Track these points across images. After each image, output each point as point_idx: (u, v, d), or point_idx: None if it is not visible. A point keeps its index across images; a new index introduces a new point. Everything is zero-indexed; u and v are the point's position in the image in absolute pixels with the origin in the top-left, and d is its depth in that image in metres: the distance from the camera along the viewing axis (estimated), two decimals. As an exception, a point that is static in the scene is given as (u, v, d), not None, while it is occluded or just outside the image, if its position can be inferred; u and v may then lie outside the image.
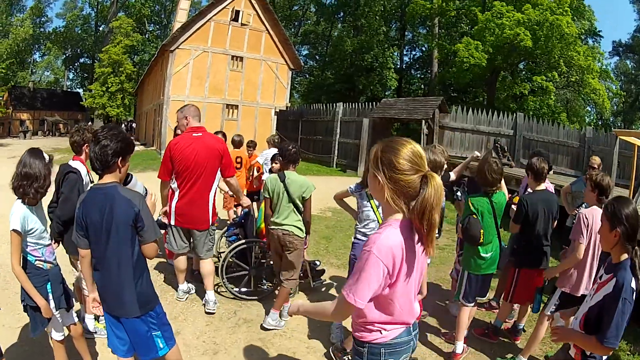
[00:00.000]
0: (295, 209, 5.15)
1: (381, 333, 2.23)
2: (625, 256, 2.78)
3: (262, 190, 5.51)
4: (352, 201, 4.93)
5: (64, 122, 50.94)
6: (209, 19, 24.31)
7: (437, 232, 2.11)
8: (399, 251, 2.04)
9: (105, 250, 3.01)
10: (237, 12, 24.88)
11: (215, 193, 5.48)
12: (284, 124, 27.53)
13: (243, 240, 5.98)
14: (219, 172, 5.49)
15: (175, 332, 4.19)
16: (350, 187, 4.78)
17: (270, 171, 7.45)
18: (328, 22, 50.03)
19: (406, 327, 2.29)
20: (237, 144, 9.43)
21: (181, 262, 5.70)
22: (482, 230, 4.55)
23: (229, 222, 8.69)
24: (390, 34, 45.89)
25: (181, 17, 27.01)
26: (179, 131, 5.72)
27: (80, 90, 55.49)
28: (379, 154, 2.11)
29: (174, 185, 5.51)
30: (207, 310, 5.49)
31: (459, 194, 5.69)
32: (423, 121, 19.40)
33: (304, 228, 5.22)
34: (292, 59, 26.99)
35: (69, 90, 61.63)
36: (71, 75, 67.06)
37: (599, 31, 38.19)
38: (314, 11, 52.42)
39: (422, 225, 2.02)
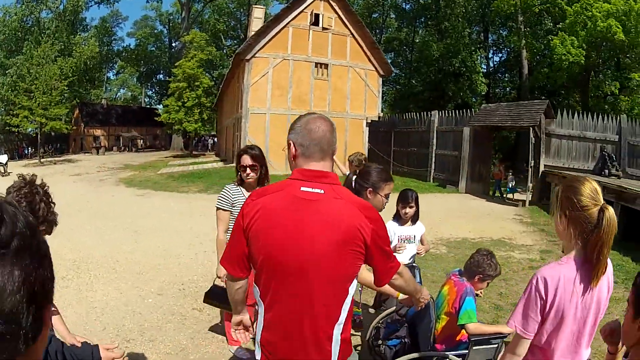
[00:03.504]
0: None
1: None
2: None
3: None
4: None
5: (141, 137, 51.28)
6: (287, 24, 22.87)
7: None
8: (568, 286, 2.06)
9: None
10: (317, 15, 23.29)
11: (347, 319, 2.26)
12: (374, 135, 25.60)
13: (416, 355, 3.43)
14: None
15: None
16: None
17: (397, 217, 4.84)
18: (410, 27, 48.63)
19: None
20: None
21: None
22: None
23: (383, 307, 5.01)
24: (472, 37, 43.79)
25: (256, 26, 25.30)
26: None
27: (160, 107, 56.00)
28: (560, 194, 2.20)
29: (256, 292, 2.30)
30: None
31: None
32: (531, 128, 17.09)
33: None
34: (382, 65, 24.99)
35: (147, 106, 62.58)
36: (150, 92, 68.53)
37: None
38: (394, 17, 50.99)
39: (593, 258, 2.03)
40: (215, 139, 48.66)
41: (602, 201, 2.07)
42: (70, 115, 47.83)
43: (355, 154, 6.86)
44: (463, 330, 3.63)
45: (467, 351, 3.43)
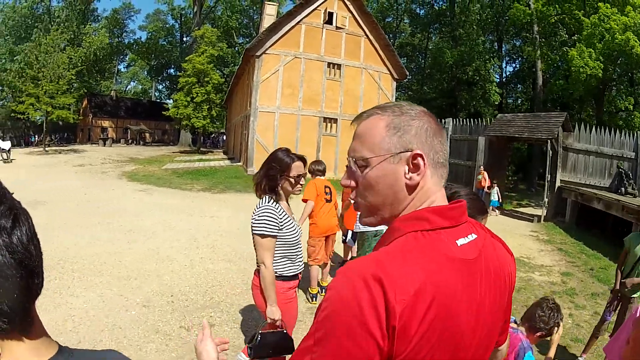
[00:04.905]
0: None
1: None
2: None
3: None
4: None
5: (149, 131, 51.08)
6: (299, 22, 22.33)
7: None
8: None
9: None
10: (330, 14, 22.72)
11: None
12: (384, 142, 24.76)
13: None
14: None
15: None
16: None
17: None
18: (423, 33, 47.93)
19: None
20: (322, 173, 6.78)
21: None
22: None
23: None
24: (486, 45, 42.84)
25: (268, 23, 24.72)
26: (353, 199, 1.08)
27: (170, 101, 55.48)
28: None
29: None
30: None
31: None
32: (548, 141, 16.47)
33: None
34: (396, 68, 24.37)
35: (157, 100, 62.36)
36: (160, 87, 68.62)
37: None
38: (408, 22, 50.38)
39: None
40: (225, 137, 48.39)
41: None
42: (79, 105, 47.70)
43: None
44: None
45: None
